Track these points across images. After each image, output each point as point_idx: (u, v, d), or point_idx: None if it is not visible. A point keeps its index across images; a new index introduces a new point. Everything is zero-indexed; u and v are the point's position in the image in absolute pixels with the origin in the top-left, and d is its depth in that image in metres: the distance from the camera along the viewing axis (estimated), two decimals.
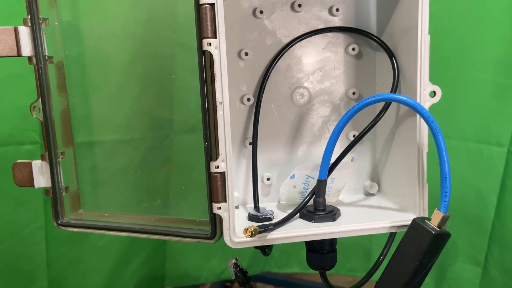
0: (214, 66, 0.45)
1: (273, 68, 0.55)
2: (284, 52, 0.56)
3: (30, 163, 0.56)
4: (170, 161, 0.59)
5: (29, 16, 0.52)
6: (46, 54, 0.54)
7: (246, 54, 0.55)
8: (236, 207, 0.58)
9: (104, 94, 0.60)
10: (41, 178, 0.56)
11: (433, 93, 0.49)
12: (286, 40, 0.56)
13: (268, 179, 0.58)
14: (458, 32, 0.79)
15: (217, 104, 0.45)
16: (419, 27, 0.47)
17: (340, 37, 0.57)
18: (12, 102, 0.77)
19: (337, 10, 0.56)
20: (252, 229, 0.46)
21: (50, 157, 0.55)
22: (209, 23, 0.44)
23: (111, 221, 0.56)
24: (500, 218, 0.86)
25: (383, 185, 0.59)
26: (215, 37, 0.44)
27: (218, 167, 0.46)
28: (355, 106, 0.48)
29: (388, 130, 0.56)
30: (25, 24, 0.53)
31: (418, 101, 0.49)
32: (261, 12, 0.55)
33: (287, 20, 0.55)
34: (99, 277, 0.92)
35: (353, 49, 0.57)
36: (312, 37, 0.56)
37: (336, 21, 0.56)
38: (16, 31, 0.52)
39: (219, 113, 0.45)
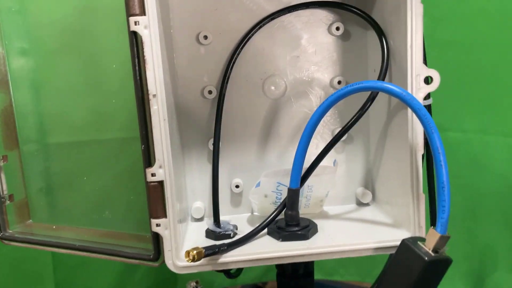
0: (145, 50, 0.36)
1: (238, 54, 0.46)
2: (252, 34, 0.46)
3: None
4: (118, 168, 0.51)
5: None
6: None
7: (206, 37, 0.46)
8: (200, 219, 0.49)
9: (52, 90, 0.52)
10: None
11: (430, 79, 0.38)
12: (254, 20, 0.46)
13: (237, 186, 0.49)
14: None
15: (150, 97, 0.37)
16: None
17: (321, 14, 0.47)
18: None
19: None
20: (195, 252, 0.37)
21: None
22: None
23: (54, 236, 0.49)
24: None
25: (378, 193, 0.49)
26: (144, 14, 0.36)
27: (154, 174, 0.38)
28: (328, 98, 0.39)
29: (381, 126, 0.46)
30: None
31: (409, 89, 0.38)
32: None
33: None
34: (109, 279, 0.86)
35: (337, 28, 0.47)
36: (286, 15, 0.46)
37: None
38: None
39: (153, 108, 0.37)
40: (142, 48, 0.36)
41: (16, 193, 0.51)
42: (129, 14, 0.36)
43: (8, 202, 0.50)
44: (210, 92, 0.47)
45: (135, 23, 0.36)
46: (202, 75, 0.47)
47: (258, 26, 0.46)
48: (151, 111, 0.37)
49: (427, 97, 0.41)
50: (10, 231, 0.50)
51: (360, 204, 0.50)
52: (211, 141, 0.48)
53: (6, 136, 0.51)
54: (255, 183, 0.47)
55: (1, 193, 0.50)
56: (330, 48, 0.48)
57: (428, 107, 0.45)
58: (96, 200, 0.50)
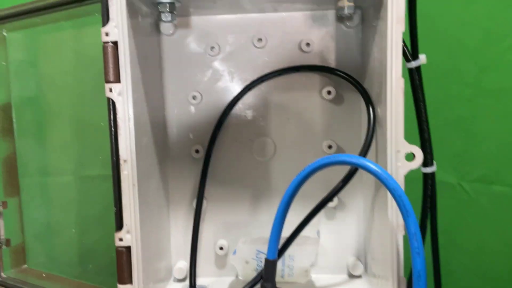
0: (118, 116, 0.36)
1: (227, 114, 0.46)
2: (242, 96, 0.46)
3: None
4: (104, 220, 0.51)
5: None
6: None
7: (194, 97, 0.46)
8: (182, 280, 0.48)
9: (55, 138, 0.54)
10: None
11: (411, 156, 0.36)
12: (245, 81, 0.46)
13: (221, 248, 0.48)
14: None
15: (121, 162, 0.37)
16: (388, 66, 0.35)
17: (313, 78, 0.46)
18: None
19: (308, 44, 0.45)
20: None
21: None
22: (110, 65, 0.36)
23: (39, 285, 0.49)
24: None
25: (370, 265, 0.46)
26: (118, 81, 0.36)
27: (122, 239, 0.37)
28: (305, 169, 0.37)
29: (371, 196, 0.43)
30: None
31: (388, 166, 0.36)
32: (212, 48, 0.46)
33: (246, 57, 0.46)
34: None
35: (329, 92, 0.45)
36: (277, 77, 0.46)
37: (307, 58, 0.45)
38: None
39: (124, 173, 0.37)
40: (115, 114, 0.37)
41: (13, 238, 0.53)
42: (106, 80, 0.37)
43: (4, 247, 0.52)
44: (197, 151, 0.47)
45: (110, 89, 0.36)
46: (191, 134, 0.47)
47: (248, 88, 0.46)
48: (121, 176, 0.37)
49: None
50: (4, 276, 0.52)
51: (351, 276, 0.47)
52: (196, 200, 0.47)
53: (7, 183, 0.52)
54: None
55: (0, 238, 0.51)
56: (322, 111, 0.46)
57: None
58: (81, 253, 0.50)
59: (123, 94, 0.36)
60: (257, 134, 0.47)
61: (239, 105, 0.46)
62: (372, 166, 0.34)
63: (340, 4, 0.38)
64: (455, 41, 0.63)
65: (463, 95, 0.65)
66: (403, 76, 0.35)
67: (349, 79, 0.43)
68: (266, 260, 0.40)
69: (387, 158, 0.36)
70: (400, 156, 0.36)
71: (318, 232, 0.44)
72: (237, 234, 0.48)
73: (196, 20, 0.46)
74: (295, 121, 0.46)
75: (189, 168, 0.47)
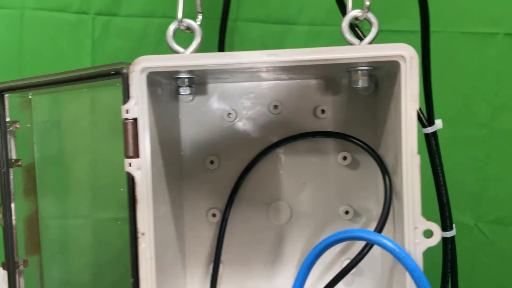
0: (136, 190, 0.37)
1: (243, 179, 0.47)
2: (258, 161, 0.46)
3: None
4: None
5: None
6: (13, 157, 0.52)
7: (212, 162, 0.47)
8: None
9: (73, 197, 0.56)
10: (4, 286, 0.53)
11: (430, 233, 0.36)
12: (261, 147, 0.47)
13: None
14: None
15: (139, 235, 0.37)
16: (404, 144, 0.35)
17: (329, 143, 0.46)
18: None
19: (323, 111, 0.46)
20: None
21: (9, 266, 0.52)
22: (130, 140, 0.37)
23: None
24: None
25: None
26: (137, 157, 0.37)
27: None
28: (319, 244, 0.37)
29: (389, 263, 0.43)
30: None
31: (406, 243, 0.36)
32: (229, 115, 0.47)
33: (262, 123, 0.47)
34: None
35: (345, 158, 0.46)
36: (292, 143, 0.46)
37: (322, 125, 0.46)
38: None
39: (141, 246, 0.37)
40: (133, 188, 0.38)
41: None
42: (125, 155, 0.38)
43: None
44: (214, 215, 0.47)
45: (129, 164, 0.37)
46: (208, 198, 0.48)
47: (264, 153, 0.46)
48: (139, 249, 0.37)
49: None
50: None
51: None
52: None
53: (28, 242, 0.53)
54: None
55: None
56: (338, 176, 0.46)
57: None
58: None
59: (142, 169, 0.37)
60: (273, 198, 0.47)
61: (255, 169, 0.47)
62: (390, 244, 0.34)
63: (354, 78, 0.38)
64: (469, 83, 0.65)
65: (477, 136, 0.65)
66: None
67: (366, 147, 0.43)
68: None
69: (404, 235, 0.35)
70: (418, 233, 0.35)
71: None
72: None
73: (213, 87, 0.47)
74: (311, 185, 0.47)
75: (206, 232, 0.48)
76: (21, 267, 0.52)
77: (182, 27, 0.40)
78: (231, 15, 0.77)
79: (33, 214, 0.54)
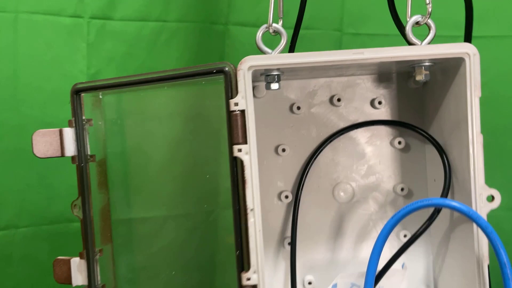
0: (245, 172, 0.43)
1: (312, 164, 0.53)
2: (324, 147, 0.53)
3: (69, 260, 0.56)
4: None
5: (73, 118, 0.55)
6: (88, 153, 0.55)
7: (284, 150, 0.53)
8: None
9: (142, 191, 0.60)
10: (79, 276, 0.56)
11: (491, 198, 0.44)
12: (326, 134, 0.53)
13: (310, 283, 0.54)
14: (498, 99, 0.74)
15: (248, 211, 0.43)
16: (470, 125, 0.43)
17: (384, 130, 0.54)
18: (64, 181, 0.80)
19: (380, 103, 0.53)
20: None
21: (88, 255, 0.55)
22: (239, 129, 0.43)
23: None
24: None
25: None
26: (246, 143, 0.43)
27: (249, 279, 0.43)
28: (401, 210, 0.44)
29: (443, 231, 0.50)
30: (69, 125, 0.55)
31: (473, 207, 0.43)
32: (298, 108, 0.53)
33: (326, 115, 0.53)
34: None
35: (399, 142, 0.53)
36: (353, 130, 0.53)
37: (379, 114, 0.53)
38: (61, 133, 0.54)
39: (250, 220, 0.43)
40: (242, 170, 0.43)
41: (107, 283, 0.57)
42: (233, 142, 0.43)
43: None
44: (286, 196, 0.53)
45: (239, 150, 0.43)
46: (279, 181, 0.54)
47: (329, 140, 0.53)
48: (248, 223, 0.43)
49: None
50: None
51: None
52: (286, 240, 0.53)
53: (103, 232, 0.57)
54: (325, 281, 0.52)
55: (97, 283, 0.55)
56: (392, 159, 0.54)
57: None
58: None
59: (249, 153, 0.43)
60: (337, 180, 0.54)
61: (322, 155, 0.53)
62: (464, 208, 0.42)
63: (418, 72, 0.46)
64: None
65: None
66: None
67: (423, 133, 0.51)
68: None
69: (471, 200, 0.43)
70: (482, 198, 0.43)
71: (403, 265, 0.50)
72: (321, 271, 0.54)
73: (282, 83, 0.53)
74: (370, 167, 0.54)
75: (278, 213, 0.53)
76: (97, 256, 0.56)
77: (270, 31, 0.46)
78: (222, 19, 0.83)
79: (105, 206, 0.58)
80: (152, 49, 0.80)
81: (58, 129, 0.55)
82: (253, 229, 0.43)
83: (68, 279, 0.56)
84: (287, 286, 0.53)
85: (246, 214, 0.43)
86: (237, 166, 0.44)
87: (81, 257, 0.55)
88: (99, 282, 0.56)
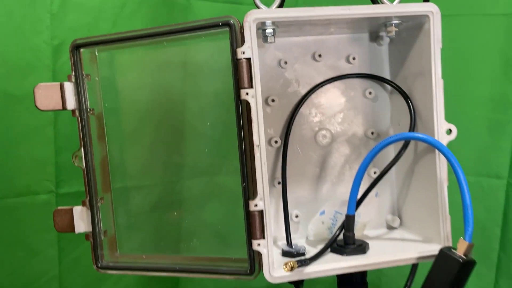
0: (251, 113, 0.49)
1: (297, 112, 0.60)
2: (307, 98, 0.60)
3: (71, 209, 0.59)
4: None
5: (73, 73, 0.57)
6: (88, 107, 0.58)
7: (273, 100, 0.60)
8: None
9: (137, 143, 0.64)
10: (82, 223, 0.59)
11: (449, 131, 0.54)
12: (308, 87, 0.61)
13: (296, 216, 0.61)
14: (454, 73, 0.85)
15: (255, 147, 0.49)
16: (433, 72, 0.52)
17: (357, 82, 0.62)
18: (29, 154, 0.81)
19: (354, 58, 0.61)
20: (291, 263, 0.48)
21: (91, 202, 0.59)
22: (245, 75, 0.49)
23: (149, 262, 0.59)
24: (505, 249, 0.88)
25: (405, 219, 0.63)
26: (252, 87, 0.49)
27: (256, 205, 0.50)
28: (379, 144, 0.53)
29: (406, 165, 0.60)
30: (69, 80, 0.57)
31: (436, 138, 0.53)
32: (285, 62, 0.60)
33: (308, 69, 0.61)
34: None
35: (370, 93, 0.62)
36: (332, 83, 0.61)
37: (353, 68, 0.62)
38: (61, 87, 0.57)
39: (257, 155, 0.49)
40: (248, 111, 0.49)
41: (108, 229, 0.61)
42: (241, 87, 0.49)
43: (103, 237, 0.60)
44: (276, 142, 0.60)
45: (246, 93, 0.49)
46: (268, 129, 0.60)
47: (311, 92, 0.60)
48: (255, 157, 0.49)
49: None
50: (106, 262, 0.59)
51: (390, 228, 0.64)
52: (276, 180, 0.60)
53: (103, 181, 0.61)
54: (309, 214, 0.60)
55: (100, 229, 0.59)
56: (364, 107, 0.62)
57: None
58: (183, 231, 0.60)
59: (255, 97, 0.49)
60: (319, 126, 0.62)
61: (305, 105, 0.61)
62: (431, 139, 0.51)
63: (389, 29, 0.54)
64: None
65: None
66: None
67: (391, 83, 0.60)
68: (348, 216, 0.55)
69: (434, 134, 0.53)
70: (442, 131, 0.53)
71: (377, 194, 0.60)
72: (305, 206, 0.62)
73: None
74: (346, 115, 0.62)
75: (268, 156, 0.60)
76: (99, 204, 0.60)
77: None
78: None
79: (104, 157, 0.61)
80: (116, 21, 0.82)
81: (59, 83, 0.57)
82: (259, 163, 0.49)
83: (70, 227, 0.60)
84: (276, 220, 0.61)
85: (252, 150, 0.50)
86: (243, 108, 0.50)
87: (84, 205, 0.59)
88: (101, 228, 0.60)
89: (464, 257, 0.49)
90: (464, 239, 0.49)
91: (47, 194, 0.84)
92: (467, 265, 0.49)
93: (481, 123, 0.87)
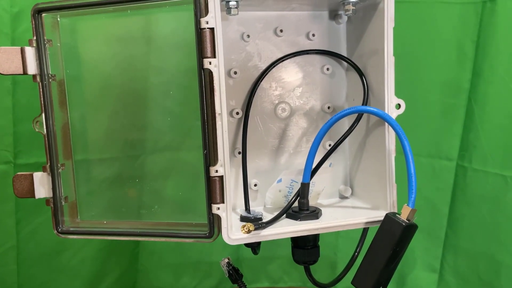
0: (214, 82, 0.51)
1: (258, 85, 0.62)
2: (268, 72, 0.63)
3: (31, 175, 0.59)
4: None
5: (35, 38, 0.57)
6: (50, 72, 0.58)
7: (235, 73, 0.62)
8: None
9: (99, 112, 0.64)
10: (42, 188, 0.60)
11: (398, 106, 0.58)
12: (269, 61, 0.63)
13: (255, 185, 0.64)
14: (409, 57, 0.90)
15: (217, 115, 0.51)
16: (385, 49, 0.56)
17: (316, 58, 0.65)
18: None
19: (313, 35, 0.64)
20: (248, 226, 0.51)
21: (52, 168, 0.59)
22: (208, 45, 0.50)
23: (110, 227, 0.60)
24: (452, 227, 0.95)
25: (356, 189, 0.67)
26: (215, 57, 0.51)
27: (217, 171, 0.52)
28: (334, 116, 0.56)
29: (359, 139, 0.64)
30: (30, 44, 0.57)
31: (386, 112, 0.57)
32: (248, 36, 0.62)
33: (270, 43, 0.63)
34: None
35: (327, 69, 0.65)
36: (292, 58, 0.64)
37: (312, 45, 0.64)
38: (22, 51, 0.57)
39: (218, 123, 0.51)
40: (211, 80, 0.51)
41: (69, 195, 0.62)
42: (203, 56, 0.51)
43: (64, 203, 0.61)
44: (237, 113, 0.62)
45: (209, 63, 0.50)
46: (230, 100, 0.62)
47: (272, 66, 0.63)
48: (216, 125, 0.51)
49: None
50: (66, 227, 0.60)
51: (342, 197, 0.68)
52: (236, 150, 0.63)
53: (64, 148, 0.61)
54: (268, 183, 0.63)
55: (61, 195, 0.60)
56: (322, 82, 0.65)
57: None
58: (144, 198, 0.62)
59: (217, 66, 0.51)
60: (278, 100, 0.64)
61: (266, 79, 0.63)
62: (381, 112, 0.55)
63: (347, 8, 0.57)
64: None
65: None
66: None
67: (347, 60, 0.63)
68: (302, 184, 0.58)
69: (385, 108, 0.57)
70: (392, 106, 0.57)
71: (330, 164, 0.63)
72: (264, 175, 0.65)
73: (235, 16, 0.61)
74: (304, 90, 0.65)
75: (230, 127, 0.62)
76: (60, 170, 0.60)
77: None
78: None
79: (65, 124, 0.62)
80: None
81: (19, 47, 0.57)
82: (221, 130, 0.52)
83: (30, 193, 0.60)
84: (236, 188, 0.63)
85: (214, 119, 0.52)
86: (205, 77, 0.52)
87: (44, 171, 0.59)
88: (62, 194, 0.60)
89: (407, 221, 0.53)
90: (407, 205, 0.53)
91: (4, 165, 0.83)
92: (409, 228, 0.53)
93: (435, 107, 0.92)
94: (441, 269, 0.98)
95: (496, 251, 0.88)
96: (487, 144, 0.87)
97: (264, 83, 0.63)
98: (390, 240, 0.54)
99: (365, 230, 0.63)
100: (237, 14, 0.54)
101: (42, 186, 0.60)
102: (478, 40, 0.87)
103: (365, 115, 0.61)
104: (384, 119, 0.55)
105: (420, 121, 0.92)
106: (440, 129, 0.93)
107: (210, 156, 0.53)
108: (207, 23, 0.50)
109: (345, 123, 0.65)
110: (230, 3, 0.54)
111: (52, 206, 0.59)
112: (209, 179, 0.53)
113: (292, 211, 0.59)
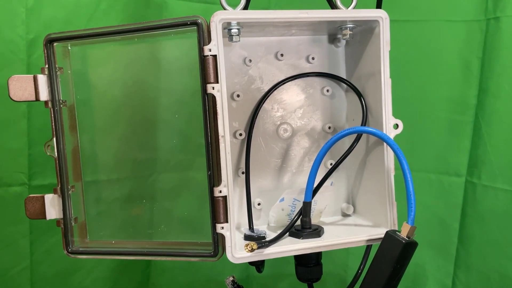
0: (217, 106, 0.53)
1: (260, 107, 0.65)
2: (270, 94, 0.65)
3: (42, 197, 0.62)
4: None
5: (46, 66, 0.60)
6: (61, 98, 0.61)
7: (238, 96, 0.64)
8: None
9: (109, 136, 0.67)
10: (53, 210, 0.62)
11: (396, 126, 0.59)
12: (271, 84, 0.65)
13: (259, 204, 0.66)
14: (415, 75, 0.92)
15: (220, 138, 0.53)
16: (382, 72, 0.58)
17: (316, 81, 0.67)
18: (2, 146, 0.82)
19: (313, 58, 0.66)
20: (252, 244, 0.53)
21: (63, 190, 0.61)
22: (211, 71, 0.53)
23: (118, 247, 0.62)
24: (463, 243, 0.96)
25: (358, 207, 0.68)
26: (217, 82, 0.53)
27: (221, 191, 0.54)
28: (334, 136, 0.58)
29: (359, 158, 0.66)
30: (42, 72, 0.60)
31: (384, 132, 0.58)
32: (250, 60, 0.64)
33: (271, 67, 0.65)
34: None
35: (327, 90, 0.67)
36: (293, 81, 0.66)
37: (312, 68, 0.67)
38: (35, 79, 0.59)
39: (221, 145, 0.54)
40: (214, 105, 0.53)
41: (78, 216, 0.64)
42: (207, 82, 0.53)
43: (73, 223, 0.63)
44: (240, 134, 0.64)
45: (212, 88, 0.53)
46: (234, 122, 0.64)
47: (274, 88, 0.65)
48: (219, 147, 0.54)
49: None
50: (76, 247, 0.62)
51: (344, 215, 0.69)
52: (240, 170, 0.65)
53: (74, 170, 0.63)
54: (271, 202, 0.65)
55: (71, 216, 0.62)
56: (322, 104, 0.67)
57: None
58: (151, 218, 0.64)
59: (220, 91, 0.53)
60: (280, 121, 0.66)
61: (268, 101, 0.65)
62: (379, 132, 0.57)
63: (344, 32, 0.60)
64: None
65: None
66: None
67: (346, 82, 0.65)
68: (304, 202, 0.60)
69: (383, 128, 0.58)
70: (390, 126, 0.59)
71: (332, 183, 0.65)
72: (267, 194, 0.66)
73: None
74: (306, 111, 0.67)
75: (233, 148, 0.64)
76: (70, 192, 0.62)
77: None
78: None
79: (75, 147, 0.64)
80: (91, 17, 0.84)
81: (32, 75, 0.60)
82: (224, 152, 0.54)
83: (41, 214, 0.62)
84: (240, 207, 0.65)
85: (217, 141, 0.54)
86: (209, 101, 0.54)
87: (55, 193, 0.61)
88: (72, 215, 0.62)
89: (407, 239, 0.54)
90: (407, 222, 0.55)
91: (19, 186, 0.85)
92: (409, 246, 0.54)
93: (442, 124, 0.94)
94: (453, 286, 0.98)
95: (508, 268, 0.88)
96: (496, 160, 0.88)
97: (266, 105, 0.65)
98: (391, 257, 0.55)
99: (368, 247, 0.64)
100: (239, 41, 0.57)
101: (53, 207, 0.62)
102: (483, 56, 0.89)
103: (364, 135, 0.63)
104: (382, 139, 0.57)
105: (428, 138, 0.94)
106: (449, 145, 0.94)
107: (214, 177, 0.55)
108: (210, 50, 0.52)
109: (346, 143, 0.67)
110: (232, 30, 0.56)
111: (63, 227, 0.61)
112: (213, 199, 0.54)
113: (295, 229, 0.60)
